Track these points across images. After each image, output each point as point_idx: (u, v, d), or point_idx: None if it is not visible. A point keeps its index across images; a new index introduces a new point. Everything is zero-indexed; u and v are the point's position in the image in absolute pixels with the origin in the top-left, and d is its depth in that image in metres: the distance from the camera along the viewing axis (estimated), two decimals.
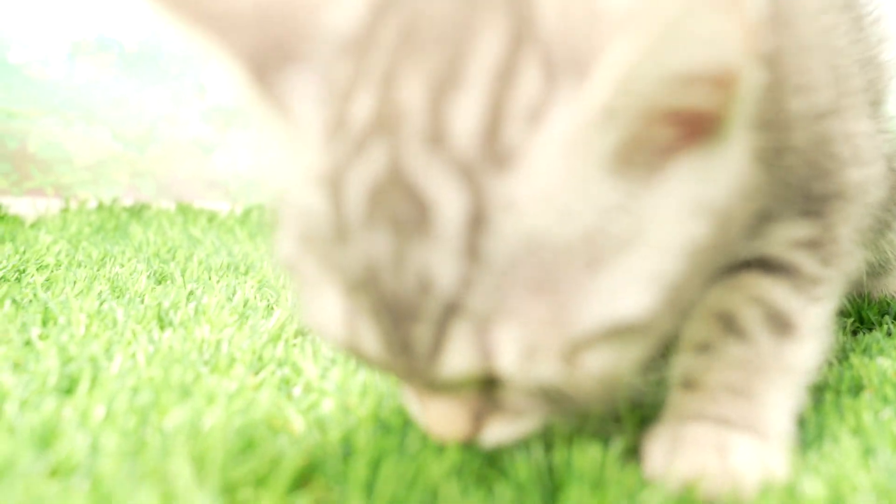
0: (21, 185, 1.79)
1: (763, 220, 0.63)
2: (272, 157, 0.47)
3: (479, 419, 0.50)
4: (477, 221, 0.41)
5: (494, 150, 0.41)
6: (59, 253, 1.23)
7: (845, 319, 0.94)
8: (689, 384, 0.60)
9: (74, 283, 1.01)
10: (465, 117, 0.41)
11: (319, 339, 0.50)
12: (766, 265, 0.63)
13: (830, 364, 0.78)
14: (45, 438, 0.55)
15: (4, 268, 1.07)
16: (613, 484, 0.52)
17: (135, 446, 0.55)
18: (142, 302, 0.94)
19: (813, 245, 0.65)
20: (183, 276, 1.12)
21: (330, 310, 0.45)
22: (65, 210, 1.74)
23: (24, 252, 1.19)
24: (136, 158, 1.82)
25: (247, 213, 1.76)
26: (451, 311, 0.42)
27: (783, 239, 0.64)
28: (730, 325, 0.61)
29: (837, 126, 0.65)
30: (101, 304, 0.89)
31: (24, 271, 1.08)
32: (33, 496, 0.47)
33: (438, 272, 0.41)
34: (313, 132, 0.44)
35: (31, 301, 0.92)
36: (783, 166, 0.60)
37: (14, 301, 0.90)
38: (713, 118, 0.44)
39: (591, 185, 0.41)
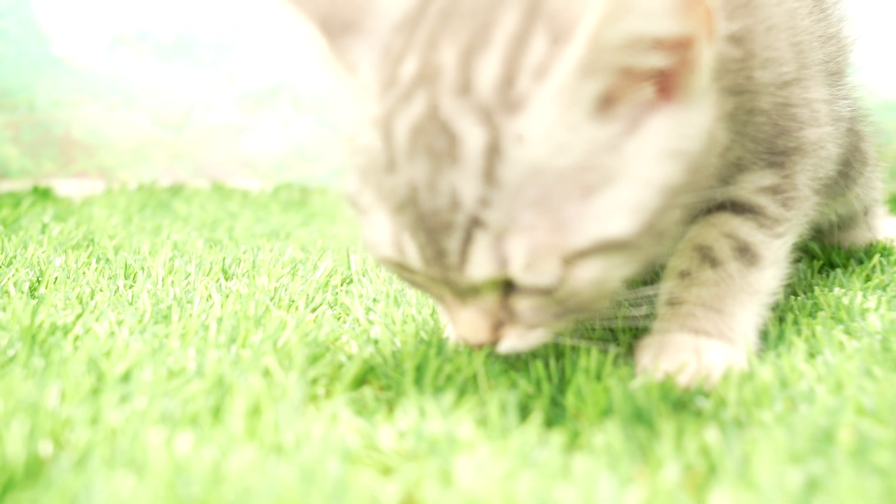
0: (67, 168, 1.92)
1: (735, 169, 0.76)
2: (340, 108, 0.61)
3: (498, 328, 0.63)
4: (493, 151, 0.54)
5: (508, 98, 0.54)
6: (116, 225, 1.37)
7: (816, 262, 1.07)
8: (673, 303, 0.73)
9: (139, 247, 1.15)
10: (488, 73, 0.55)
11: (374, 257, 0.62)
12: (737, 207, 0.77)
13: (796, 294, 0.91)
14: (156, 353, 0.69)
15: (77, 236, 1.21)
16: (610, 376, 0.65)
17: (232, 356, 0.69)
18: (203, 260, 1.07)
19: (776, 191, 0.78)
20: (232, 240, 1.25)
21: (381, 229, 0.59)
22: (108, 190, 1.87)
23: (88, 223, 1.33)
24: (174, 141, 1.94)
25: (277, 191, 1.89)
26: (474, 223, 0.55)
27: (751, 185, 0.78)
28: (706, 255, 0.74)
29: (798, 93, 0.78)
30: (172, 260, 1.03)
31: (92, 240, 1.21)
32: (161, 391, 0.61)
33: (464, 191, 0.54)
34: (373, 86, 0.58)
35: (108, 260, 1.06)
36: (753, 124, 0.73)
37: (98, 259, 1.04)
38: (678, 78, 0.57)
39: (579, 125, 0.54)
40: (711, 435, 0.54)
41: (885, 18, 1.95)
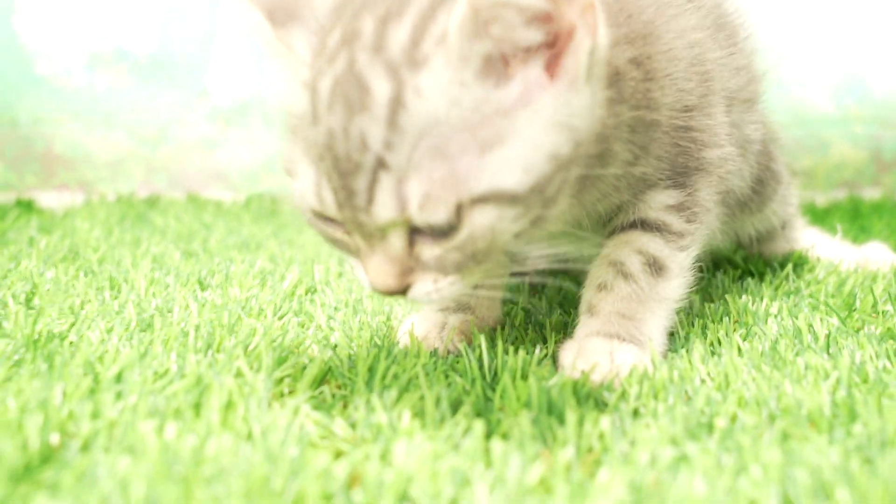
0: (49, 181, 2.01)
1: (643, 185, 0.86)
2: (281, 83, 0.73)
3: (406, 275, 0.70)
4: (397, 101, 0.64)
5: (413, 57, 0.65)
6: (98, 237, 1.47)
7: (735, 271, 1.18)
8: (591, 311, 0.85)
9: (121, 260, 1.25)
10: (399, 36, 0.65)
11: (303, 214, 0.71)
12: (646, 225, 0.88)
13: (712, 300, 1.03)
14: (143, 357, 0.79)
15: (63, 249, 1.31)
16: (534, 375, 0.76)
17: (209, 360, 0.79)
18: (180, 272, 1.18)
19: (680, 208, 0.88)
20: (207, 252, 1.36)
21: (306, 179, 0.68)
22: (89, 202, 1.97)
23: (72, 236, 1.43)
24: (150, 156, 2.04)
25: (248, 201, 1.99)
26: (379, 164, 0.64)
27: (658, 204, 0.88)
28: (619, 270, 0.85)
29: (700, 118, 0.89)
30: (153, 272, 1.13)
31: (77, 253, 1.31)
32: (148, 389, 0.72)
33: (371, 135, 0.63)
34: (305, 56, 0.69)
35: (94, 272, 1.16)
36: (655, 141, 0.83)
37: (85, 272, 1.14)
38: (563, 61, 0.67)
39: (469, 83, 0.65)
40: (607, 423, 0.65)
41: (822, 36, 2.08)
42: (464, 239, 0.67)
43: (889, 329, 0.91)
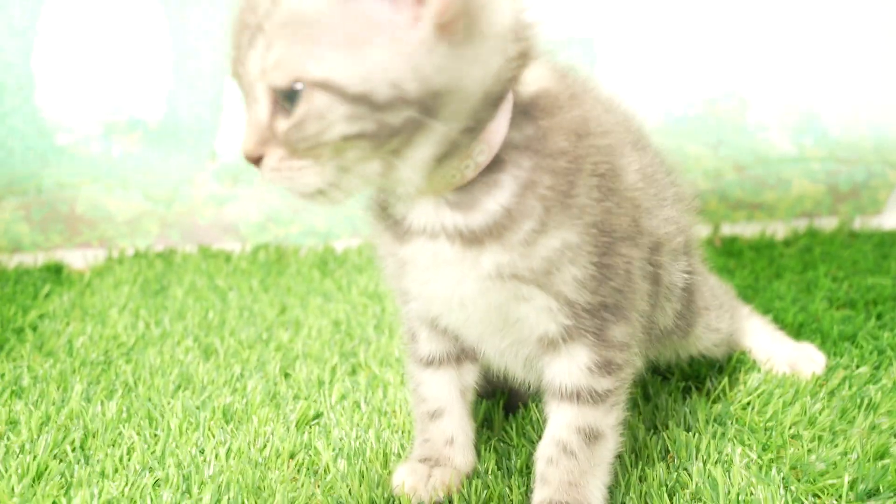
0: (72, 239, 2.20)
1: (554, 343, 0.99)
2: None
3: (264, 145, 0.81)
4: None
5: None
6: (126, 327, 1.67)
7: (679, 382, 1.37)
8: (543, 481, 1.04)
9: (152, 371, 1.45)
10: None
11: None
12: (574, 396, 1.00)
13: (655, 428, 1.22)
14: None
15: (95, 353, 1.51)
16: None
17: None
18: (208, 399, 1.37)
19: (599, 366, 0.99)
20: (225, 349, 1.55)
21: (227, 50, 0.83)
22: (109, 258, 2.16)
23: (102, 325, 1.63)
24: (164, 213, 2.22)
25: (256, 251, 2.18)
26: (258, 28, 0.78)
27: (576, 366, 0.99)
28: (563, 448, 1.02)
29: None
30: (180, 391, 1.33)
31: (110, 362, 1.51)
32: None
33: (260, 5, 0.78)
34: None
35: (130, 388, 1.36)
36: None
37: (122, 389, 1.33)
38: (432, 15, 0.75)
39: None
40: None
41: (781, 83, 2.23)
42: (300, 116, 0.77)
43: (793, 467, 1.11)
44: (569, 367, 1.01)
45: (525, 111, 0.88)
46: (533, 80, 0.90)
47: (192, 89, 2.13)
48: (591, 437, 1.03)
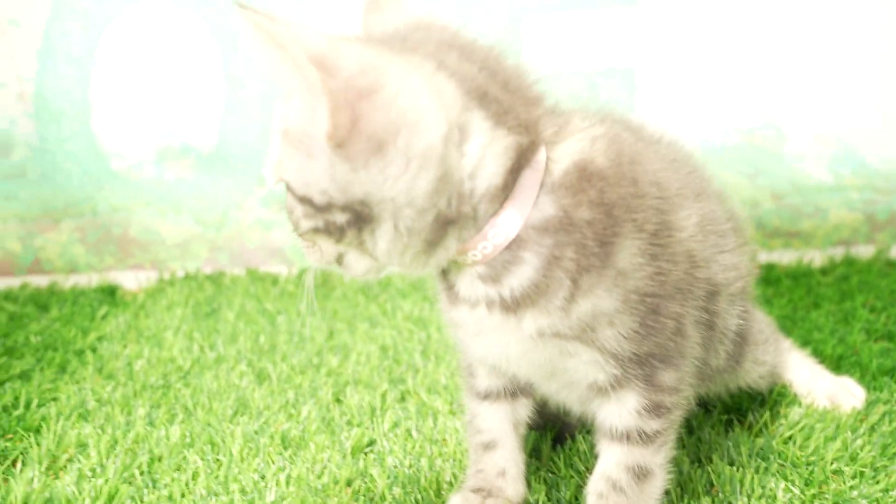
0: (125, 261, 2.27)
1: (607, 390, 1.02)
2: None
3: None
4: (283, 115, 0.88)
5: (289, 89, 0.87)
6: (182, 350, 1.73)
7: (721, 415, 1.41)
8: None
9: (210, 394, 1.51)
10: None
11: None
12: (625, 436, 1.03)
13: (699, 461, 1.26)
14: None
15: (154, 377, 1.57)
16: None
17: None
18: (265, 424, 1.43)
19: (648, 409, 1.02)
20: (278, 375, 1.61)
21: None
22: (160, 279, 2.23)
23: (159, 347, 1.69)
24: (214, 237, 2.28)
25: (301, 275, 2.24)
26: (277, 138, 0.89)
27: (628, 409, 1.02)
28: (613, 484, 1.05)
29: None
30: (239, 416, 1.38)
31: (169, 385, 1.57)
32: None
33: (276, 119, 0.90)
34: None
35: (189, 412, 1.41)
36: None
37: (182, 413, 1.39)
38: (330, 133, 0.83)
39: (302, 109, 0.86)
40: None
41: (819, 114, 2.27)
42: (286, 207, 0.93)
43: (836, 503, 1.14)
44: (619, 411, 1.04)
45: (552, 190, 0.92)
46: (563, 157, 0.93)
47: (242, 118, 2.20)
48: (641, 475, 1.05)
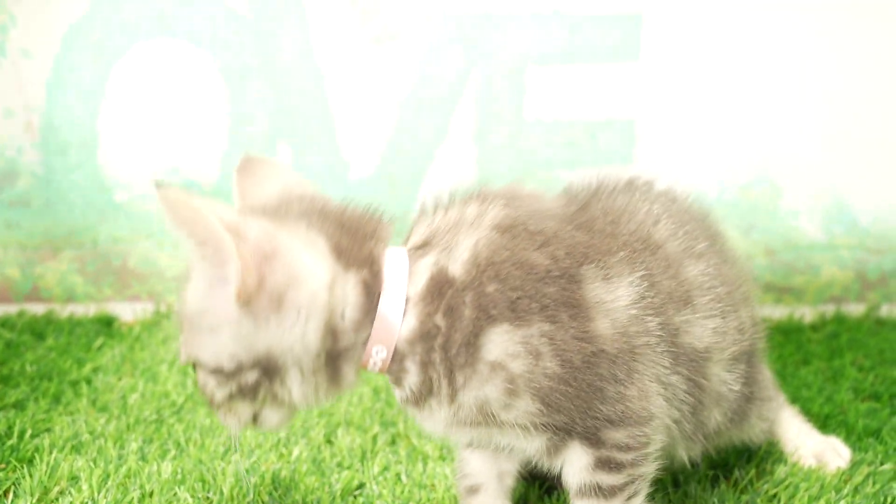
0: (123, 292, 2.29)
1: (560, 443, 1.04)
2: None
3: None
4: (182, 298, 0.98)
5: (190, 269, 0.98)
6: (176, 385, 1.74)
7: (708, 471, 1.42)
8: None
9: (202, 431, 1.52)
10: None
11: None
12: (581, 491, 1.05)
13: None
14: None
15: (148, 412, 1.58)
16: None
17: None
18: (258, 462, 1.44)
19: (599, 464, 1.03)
20: None
21: None
22: (157, 312, 2.24)
23: (154, 382, 1.70)
24: None
25: None
26: (180, 325, 1.00)
27: (580, 465, 1.04)
28: None
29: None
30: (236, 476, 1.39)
31: (162, 420, 1.58)
32: None
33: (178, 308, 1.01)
34: None
35: (182, 448, 1.42)
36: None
37: (174, 451, 1.40)
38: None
39: (204, 288, 0.95)
40: None
41: (813, 173, 2.30)
42: (199, 383, 1.01)
43: None
44: (571, 469, 1.06)
45: (415, 304, 1.00)
46: (422, 271, 1.02)
47: (243, 154, 2.23)
48: None
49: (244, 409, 1.02)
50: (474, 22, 2.22)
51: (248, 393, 0.99)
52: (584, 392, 0.99)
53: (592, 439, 1.03)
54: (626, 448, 1.04)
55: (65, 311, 2.23)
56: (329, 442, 1.52)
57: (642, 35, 2.24)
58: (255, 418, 1.03)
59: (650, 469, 1.07)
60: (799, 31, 2.24)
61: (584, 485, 1.06)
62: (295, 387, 0.99)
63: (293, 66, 2.22)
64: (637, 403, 1.02)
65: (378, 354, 1.00)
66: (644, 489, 1.08)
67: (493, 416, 1.01)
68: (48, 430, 1.52)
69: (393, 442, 1.53)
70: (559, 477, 1.33)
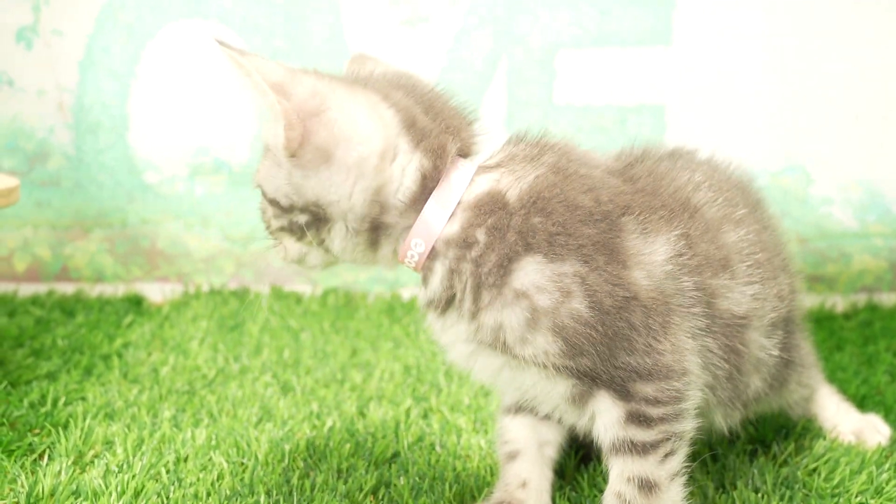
0: (152, 273, 2.29)
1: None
2: None
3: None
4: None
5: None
6: (208, 361, 1.74)
7: (746, 445, 1.40)
8: None
9: (235, 402, 1.52)
10: None
11: None
12: (620, 448, 1.04)
13: (723, 487, 1.26)
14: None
15: (180, 383, 1.58)
16: None
17: None
18: (291, 432, 1.43)
19: (631, 418, 1.03)
20: (302, 388, 1.61)
21: None
22: (185, 293, 2.24)
23: (185, 357, 1.70)
24: (240, 253, 2.30)
25: (326, 294, 2.25)
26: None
27: (609, 420, 1.04)
28: (622, 499, 1.04)
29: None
30: (262, 424, 1.39)
31: (194, 391, 1.58)
32: None
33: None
34: None
35: (214, 419, 1.42)
36: None
37: (207, 418, 1.39)
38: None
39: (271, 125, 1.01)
40: None
41: (847, 160, 2.28)
42: (260, 208, 1.08)
43: None
44: (603, 422, 1.06)
45: (463, 210, 1.02)
46: (482, 183, 1.04)
47: None
48: (645, 487, 1.04)
49: (292, 246, 1.07)
50: (505, 4, 2.22)
51: (297, 231, 1.04)
52: (610, 339, 1.00)
53: (621, 391, 1.03)
54: (656, 402, 1.03)
55: (94, 290, 2.23)
56: (362, 414, 1.51)
57: (674, 19, 2.22)
58: (300, 259, 1.08)
59: (686, 427, 1.06)
60: (832, 17, 2.22)
61: (617, 440, 1.05)
62: (337, 239, 1.04)
63: (323, 49, 2.21)
64: (669, 357, 1.02)
65: (416, 248, 1.03)
66: (681, 450, 1.06)
67: (510, 346, 1.01)
68: (82, 398, 1.52)
69: (426, 415, 1.52)
70: (594, 444, 1.33)
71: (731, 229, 1.13)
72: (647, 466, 1.04)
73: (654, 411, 1.03)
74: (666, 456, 1.05)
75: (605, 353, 1.00)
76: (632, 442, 1.04)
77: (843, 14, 2.22)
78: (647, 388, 1.02)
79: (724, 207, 1.14)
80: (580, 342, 0.99)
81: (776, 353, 1.20)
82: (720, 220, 1.13)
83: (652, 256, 1.02)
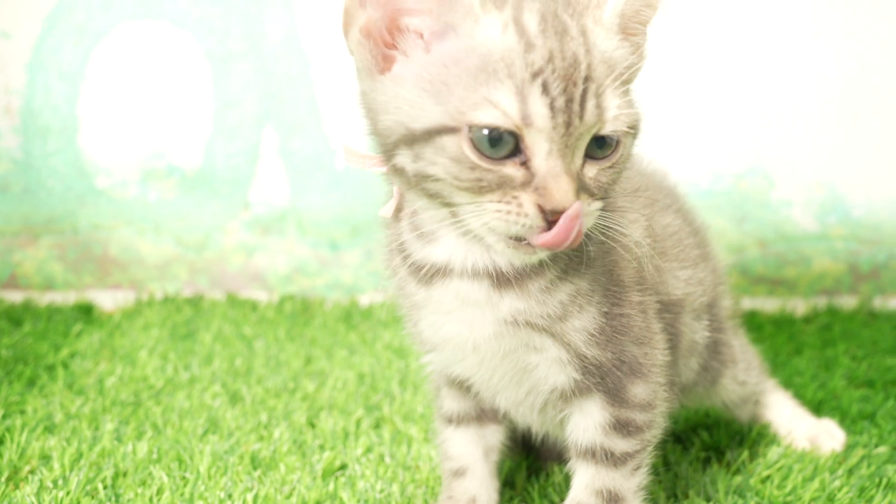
0: (104, 280, 2.24)
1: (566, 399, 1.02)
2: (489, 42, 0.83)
3: (578, 193, 0.82)
4: (584, 34, 0.84)
5: (578, 10, 0.87)
6: (156, 370, 1.70)
7: (700, 452, 1.39)
8: None
9: (181, 412, 1.48)
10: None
11: (496, 128, 0.80)
12: (592, 454, 1.02)
13: (675, 497, 1.24)
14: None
15: (125, 394, 1.54)
16: None
17: None
18: (235, 444, 1.40)
19: (616, 426, 1.01)
20: (252, 398, 1.58)
21: (507, 98, 0.80)
22: (138, 301, 2.20)
23: (132, 367, 1.66)
24: (194, 259, 2.26)
25: (282, 302, 2.22)
26: (588, 78, 0.82)
27: (594, 422, 1.02)
28: None
29: None
30: (208, 434, 1.35)
31: (140, 403, 1.54)
32: None
33: (580, 55, 0.82)
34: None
35: (159, 431, 1.38)
36: None
37: (151, 430, 1.36)
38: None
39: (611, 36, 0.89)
40: None
41: (807, 163, 2.27)
42: (616, 160, 0.86)
43: None
44: (584, 424, 1.03)
45: None
46: None
47: (230, 140, 2.19)
48: (611, 500, 1.03)
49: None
50: None
51: None
52: (632, 312, 1.00)
53: (616, 394, 1.01)
54: (646, 407, 1.02)
55: (43, 298, 2.18)
56: (311, 425, 1.48)
57: None
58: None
59: (657, 434, 1.06)
60: (793, 22, 2.22)
61: (595, 445, 1.03)
62: None
63: (279, 51, 2.18)
64: (657, 346, 1.03)
65: None
66: (647, 463, 1.05)
67: (563, 320, 0.96)
68: (21, 411, 1.48)
69: (377, 425, 1.49)
70: (546, 452, 1.30)
71: (660, 215, 1.14)
72: (616, 478, 1.03)
73: (642, 417, 1.02)
74: (636, 469, 1.04)
75: (628, 336, 1.00)
76: (609, 451, 1.02)
77: (804, 17, 2.22)
78: (641, 390, 1.02)
79: (651, 193, 1.15)
80: (616, 313, 0.98)
81: (705, 338, 1.22)
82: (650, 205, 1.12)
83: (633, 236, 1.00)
